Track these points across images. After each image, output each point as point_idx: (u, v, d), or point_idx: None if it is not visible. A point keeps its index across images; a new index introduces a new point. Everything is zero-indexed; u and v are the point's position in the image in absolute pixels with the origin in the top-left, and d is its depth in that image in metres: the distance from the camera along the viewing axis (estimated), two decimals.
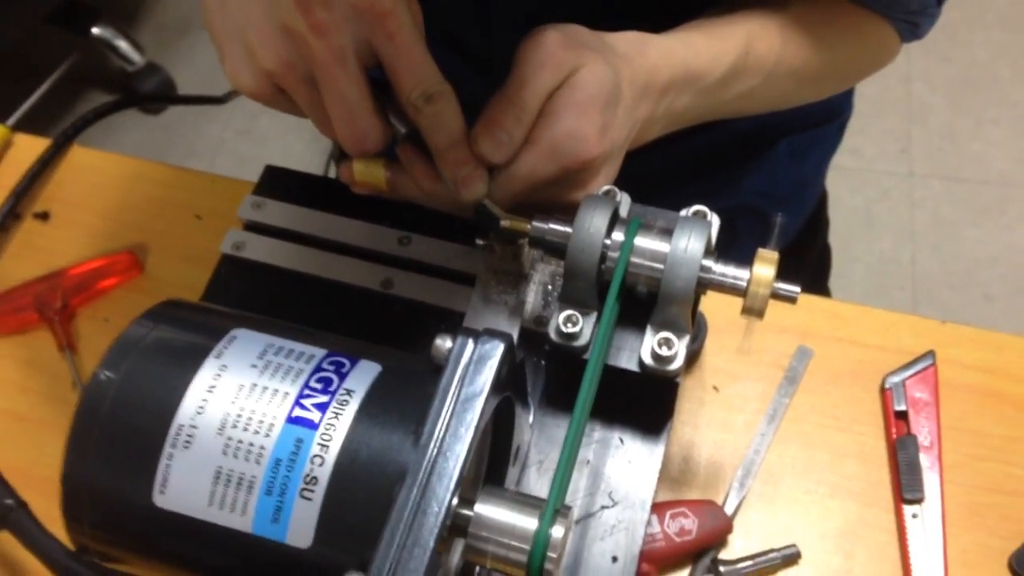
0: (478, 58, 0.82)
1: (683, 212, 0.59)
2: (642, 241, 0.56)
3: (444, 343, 0.47)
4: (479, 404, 0.45)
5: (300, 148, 2.12)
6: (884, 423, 0.68)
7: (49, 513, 0.58)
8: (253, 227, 0.68)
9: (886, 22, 0.80)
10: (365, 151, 0.58)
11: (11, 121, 0.82)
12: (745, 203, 0.98)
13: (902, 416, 0.68)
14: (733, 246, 0.97)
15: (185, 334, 0.49)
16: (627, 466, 0.59)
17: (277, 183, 0.70)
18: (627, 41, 0.65)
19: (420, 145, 0.58)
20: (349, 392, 0.45)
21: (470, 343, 0.46)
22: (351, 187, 0.62)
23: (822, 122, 1.00)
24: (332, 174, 1.94)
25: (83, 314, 0.74)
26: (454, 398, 0.45)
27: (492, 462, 0.54)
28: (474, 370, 0.46)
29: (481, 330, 0.47)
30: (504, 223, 0.59)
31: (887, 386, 0.69)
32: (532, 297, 0.63)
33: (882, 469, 0.67)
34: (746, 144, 0.94)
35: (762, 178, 0.97)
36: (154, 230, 0.78)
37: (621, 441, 0.60)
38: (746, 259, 0.99)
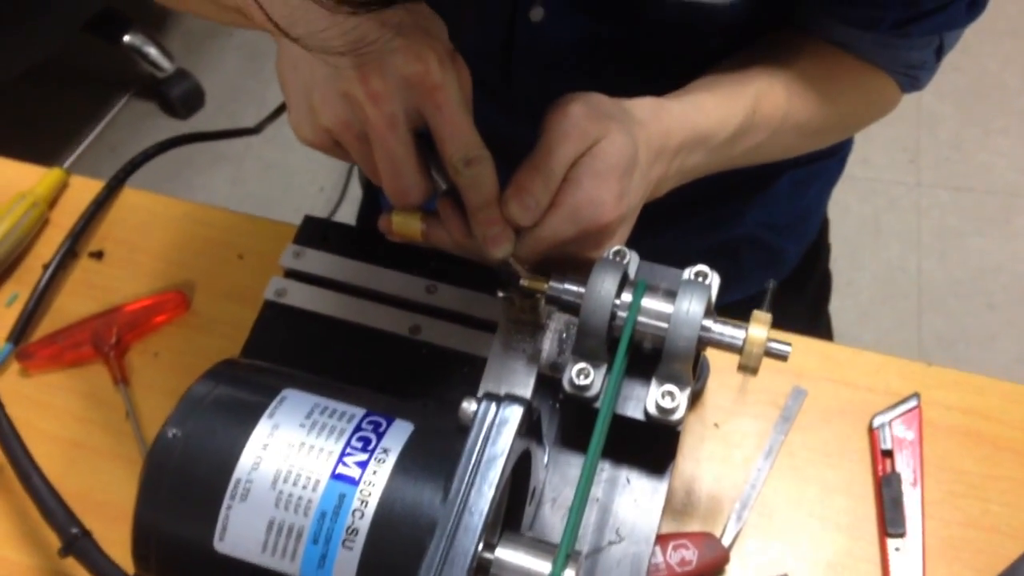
0: (501, 96, 0.88)
1: (685, 273, 0.65)
2: (648, 302, 0.62)
3: (470, 406, 0.53)
4: (500, 464, 0.51)
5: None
6: (871, 460, 0.74)
7: (107, 536, 0.65)
8: (293, 274, 0.74)
9: (887, 75, 0.85)
10: (407, 204, 0.65)
11: (67, 163, 0.88)
12: (749, 233, 1.04)
13: (888, 454, 0.74)
14: (738, 275, 1.03)
15: (241, 393, 0.55)
16: (633, 504, 0.65)
17: (314, 232, 0.76)
18: (644, 107, 0.70)
19: (457, 201, 0.64)
20: (385, 451, 0.51)
21: (492, 408, 0.52)
22: (387, 235, 0.69)
23: (824, 156, 1.04)
24: (355, 178, 2.00)
25: (135, 349, 0.81)
26: (477, 458, 0.51)
27: (511, 502, 0.60)
28: (496, 432, 0.52)
29: (503, 395, 0.53)
30: (524, 282, 0.65)
31: (875, 426, 0.75)
32: (548, 345, 0.69)
33: (868, 504, 0.73)
34: (749, 179, 0.99)
35: (765, 210, 1.02)
36: (200, 268, 0.84)
37: (628, 480, 0.66)
38: (750, 288, 1.05)
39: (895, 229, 2.08)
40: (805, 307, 1.12)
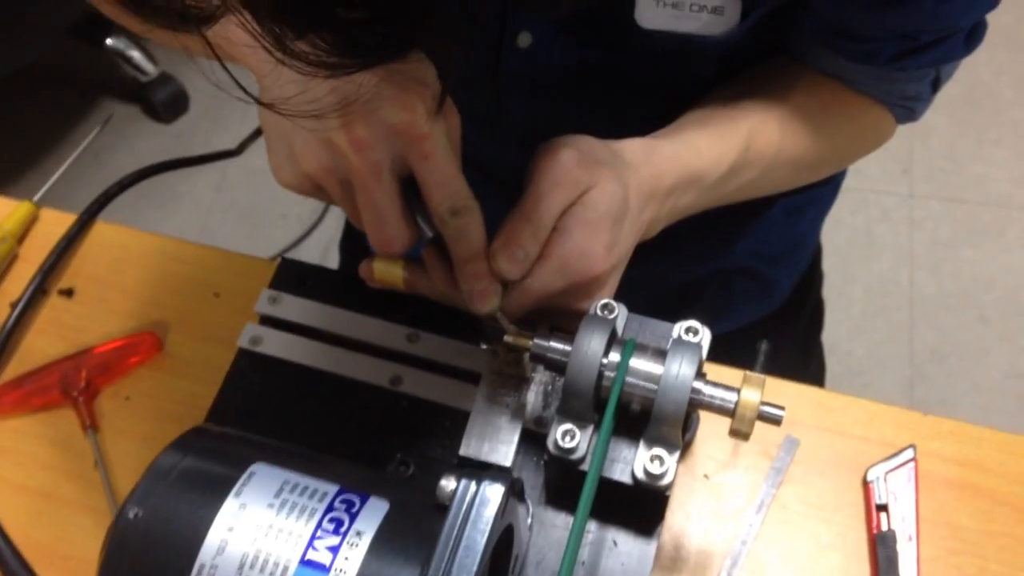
0: (489, 122, 0.85)
1: (675, 329, 0.63)
2: (637, 363, 0.60)
3: (448, 484, 0.50)
4: (480, 548, 0.48)
5: None
6: (865, 515, 0.72)
7: None
8: (269, 321, 0.72)
9: (883, 107, 0.83)
10: (390, 253, 0.62)
11: (37, 197, 0.85)
12: (741, 264, 1.01)
13: (882, 508, 0.72)
14: (729, 306, 1.01)
15: (208, 467, 0.52)
16: (620, 568, 0.63)
17: (291, 275, 0.73)
18: (634, 149, 0.68)
19: (443, 249, 0.62)
20: (359, 534, 0.49)
21: (472, 486, 0.50)
22: (368, 282, 0.66)
23: (818, 185, 1.02)
24: None
25: (106, 393, 0.78)
26: (455, 543, 0.48)
27: (493, 570, 0.58)
28: (476, 514, 0.49)
29: (483, 471, 0.50)
30: (509, 338, 0.62)
31: (869, 479, 0.73)
32: (533, 398, 0.67)
33: (862, 562, 0.70)
34: (742, 209, 0.97)
35: (757, 239, 0.99)
36: (174, 307, 0.81)
37: (615, 543, 0.64)
38: (743, 318, 1.02)
39: (887, 241, 2.06)
40: (796, 339, 1.10)
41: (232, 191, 2.13)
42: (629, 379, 0.59)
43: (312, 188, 0.61)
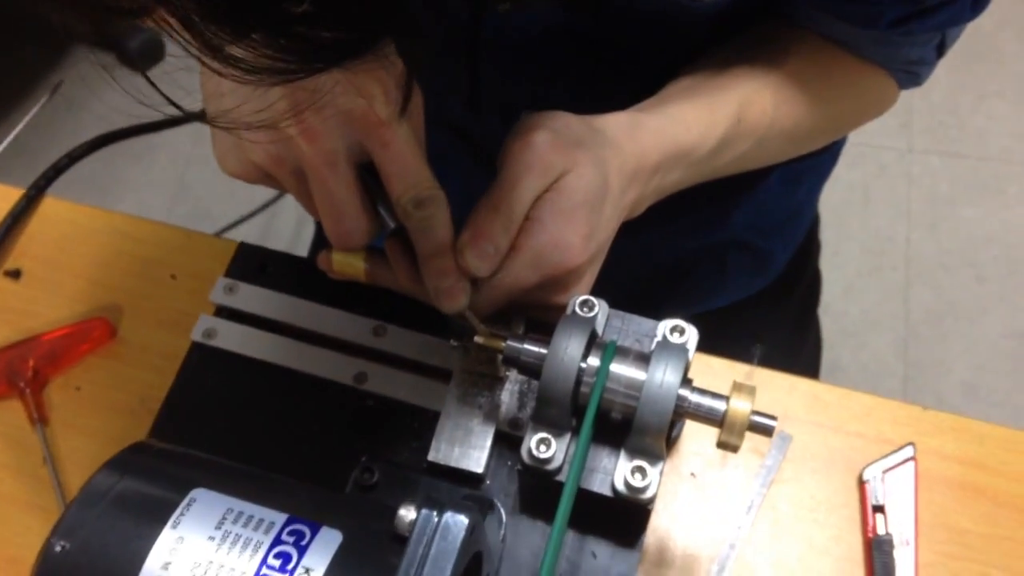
0: (468, 94, 0.80)
1: (660, 328, 0.58)
2: (618, 368, 0.55)
3: (408, 514, 0.46)
4: None
5: None
6: (861, 517, 0.68)
7: None
8: (225, 312, 0.67)
9: (885, 73, 0.78)
10: (349, 248, 0.57)
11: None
12: (735, 237, 0.96)
13: (879, 509, 0.68)
14: (721, 282, 0.96)
15: (146, 491, 0.48)
16: None
17: (250, 262, 0.68)
18: (618, 125, 0.63)
19: (407, 240, 0.57)
20: (308, 571, 0.44)
21: (433, 518, 0.45)
22: (328, 274, 0.62)
23: (816, 152, 0.97)
24: None
25: (55, 383, 0.73)
26: None
27: None
28: (437, 548, 0.45)
29: (446, 502, 0.46)
30: (479, 339, 0.58)
31: (865, 478, 0.68)
32: (508, 398, 0.62)
33: (857, 567, 0.66)
34: (736, 179, 0.92)
35: (753, 210, 0.95)
36: (128, 289, 0.76)
37: (594, 555, 0.60)
38: (737, 293, 0.98)
39: (885, 197, 2.01)
40: (792, 313, 1.06)
41: (201, 145, 2.06)
42: (610, 386, 0.55)
43: (261, 177, 0.56)
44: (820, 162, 1.00)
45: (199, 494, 0.47)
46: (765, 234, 0.98)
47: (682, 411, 0.55)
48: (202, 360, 0.65)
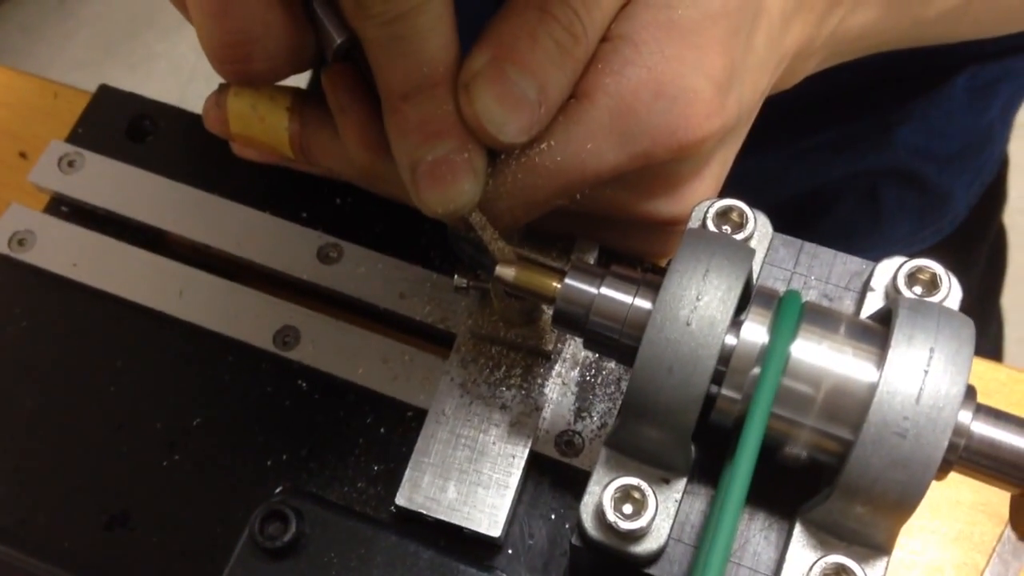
0: None
1: (884, 270, 0.29)
2: (810, 350, 0.25)
3: None
4: None
5: None
6: None
7: None
8: (58, 204, 0.38)
9: None
10: (252, 79, 0.32)
11: None
12: (895, 164, 0.75)
13: None
14: (874, 227, 0.78)
15: None
16: None
17: (112, 118, 0.40)
18: None
19: (366, 75, 0.32)
20: None
21: None
22: (231, 144, 0.38)
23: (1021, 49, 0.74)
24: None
25: None
26: None
27: None
28: None
29: None
30: (503, 271, 0.28)
31: None
32: (556, 395, 0.34)
33: None
34: (907, 74, 0.71)
35: (925, 128, 0.73)
36: None
37: None
38: (894, 245, 0.78)
39: None
40: (970, 285, 0.80)
41: None
42: (790, 386, 0.25)
43: None
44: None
45: None
46: (941, 164, 0.76)
47: (953, 459, 0.25)
48: (7, 281, 0.38)
